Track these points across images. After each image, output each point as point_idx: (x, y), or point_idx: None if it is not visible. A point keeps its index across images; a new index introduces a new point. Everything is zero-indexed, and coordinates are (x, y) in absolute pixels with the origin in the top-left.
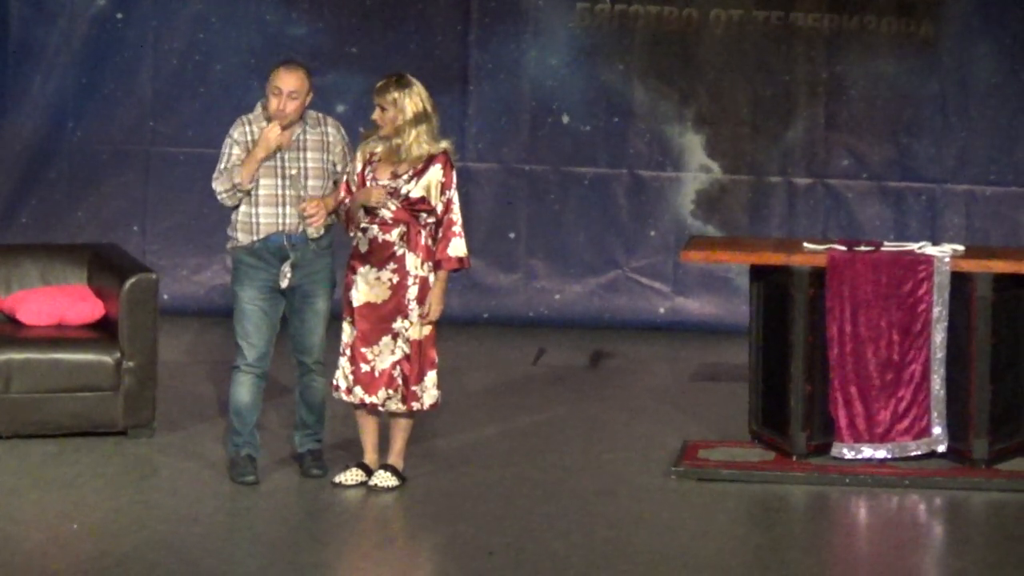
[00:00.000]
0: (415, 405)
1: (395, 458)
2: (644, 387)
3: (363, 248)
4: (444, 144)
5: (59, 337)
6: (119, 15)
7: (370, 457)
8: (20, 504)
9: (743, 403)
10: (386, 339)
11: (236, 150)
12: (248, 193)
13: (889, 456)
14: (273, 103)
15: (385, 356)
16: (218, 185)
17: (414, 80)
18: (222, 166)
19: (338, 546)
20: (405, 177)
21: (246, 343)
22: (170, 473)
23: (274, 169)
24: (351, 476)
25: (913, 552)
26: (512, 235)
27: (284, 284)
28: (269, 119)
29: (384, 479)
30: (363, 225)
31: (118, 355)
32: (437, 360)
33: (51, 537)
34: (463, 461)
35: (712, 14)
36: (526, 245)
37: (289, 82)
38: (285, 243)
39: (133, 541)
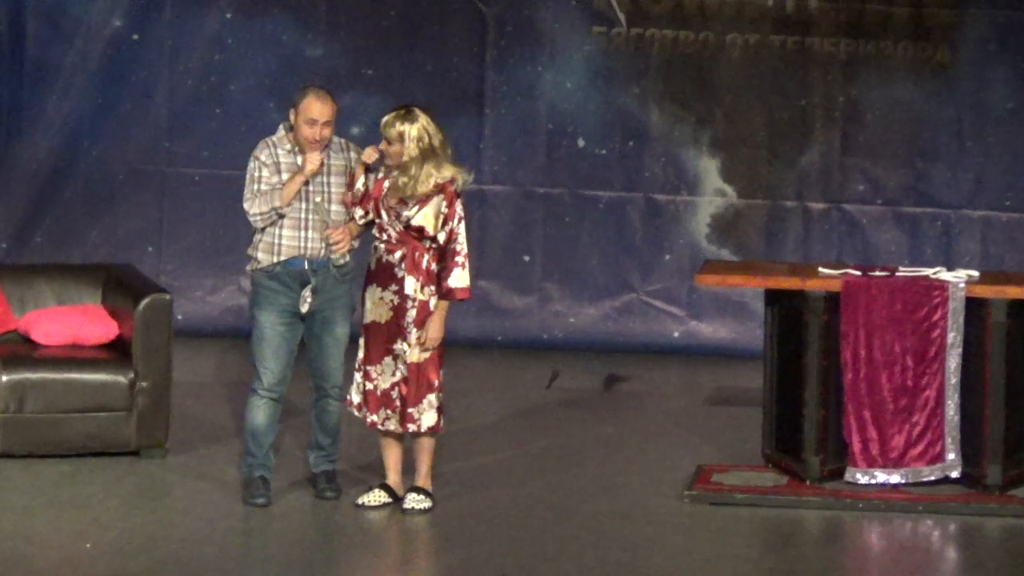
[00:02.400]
0: (411, 427)
1: (423, 480)
2: (658, 411)
3: (373, 267)
4: (450, 172)
5: (73, 357)
6: (135, 35)
7: (393, 478)
8: (34, 524)
9: (757, 427)
10: (387, 359)
11: (266, 172)
12: (281, 216)
13: (903, 481)
14: (308, 133)
15: (386, 376)
16: (253, 207)
17: (420, 113)
18: (255, 187)
19: (351, 568)
20: (410, 203)
21: (264, 367)
22: (183, 494)
23: (299, 193)
24: (374, 497)
25: None
26: (527, 258)
27: (304, 309)
28: (296, 144)
29: (418, 501)
30: (374, 243)
31: (132, 375)
32: (438, 384)
33: (65, 557)
34: (477, 484)
35: (728, 38)
36: (541, 268)
37: (324, 112)
38: (306, 267)
39: (146, 561)
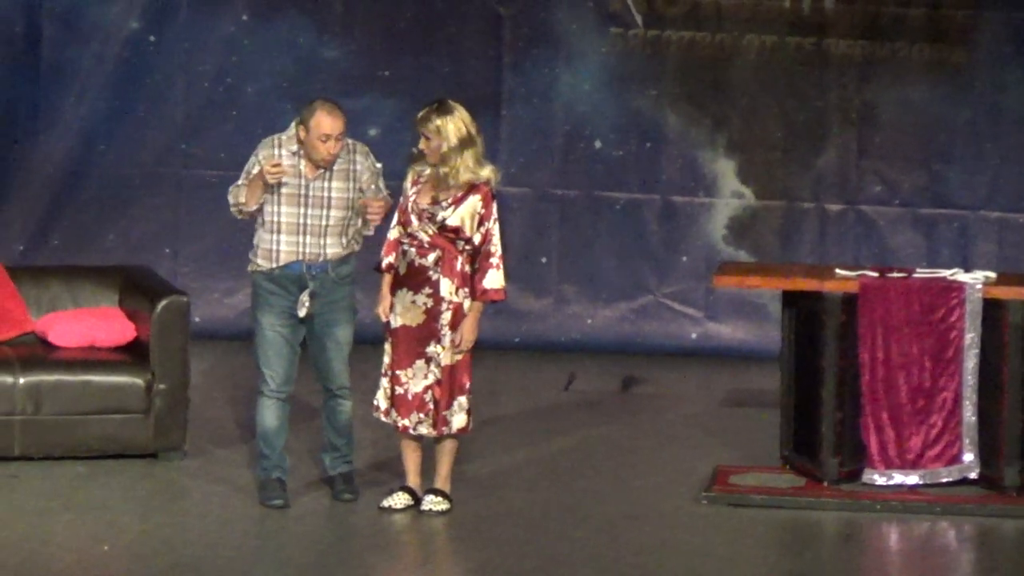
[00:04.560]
0: (444, 430)
1: (442, 482)
2: (675, 412)
3: (402, 271)
4: (486, 173)
5: (90, 359)
6: (151, 37)
7: (413, 480)
8: (51, 526)
9: (774, 429)
10: (419, 363)
11: (256, 171)
12: (256, 214)
13: (920, 482)
14: (323, 149)
15: (418, 380)
16: (230, 197)
17: (456, 105)
18: (240, 181)
19: (368, 570)
20: (444, 204)
21: (269, 369)
22: (200, 496)
23: (297, 197)
24: (399, 500)
25: None
26: (544, 260)
27: (302, 314)
28: (301, 147)
29: (435, 503)
30: (403, 248)
31: (149, 377)
32: (469, 386)
33: (81, 559)
34: (493, 486)
35: (745, 40)
36: (558, 270)
37: (336, 126)
38: (304, 272)
39: (163, 564)
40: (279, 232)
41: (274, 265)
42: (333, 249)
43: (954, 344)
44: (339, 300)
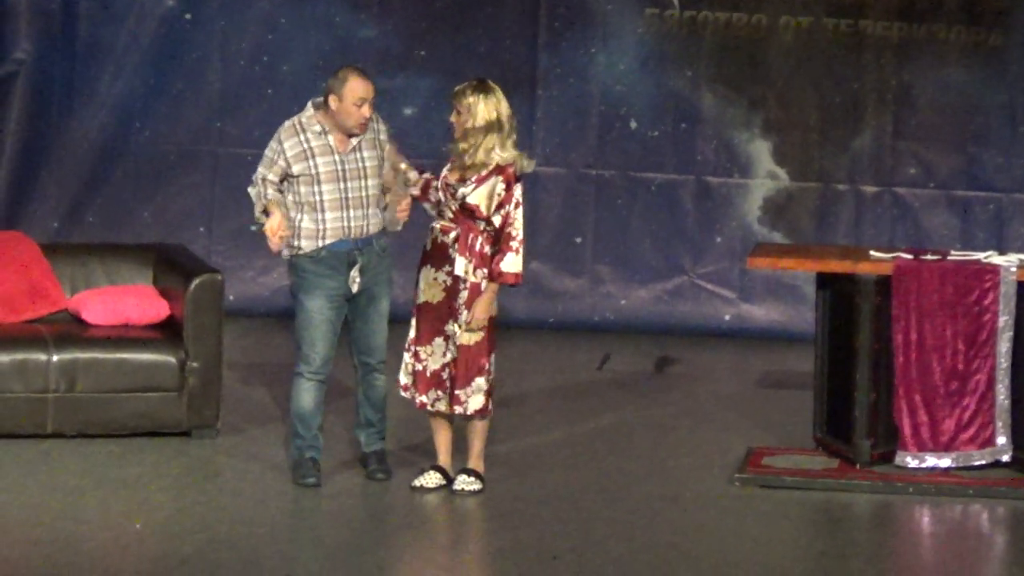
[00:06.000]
0: (458, 409)
1: (475, 461)
2: (709, 393)
3: (428, 247)
4: (508, 155)
5: (124, 337)
6: (187, 15)
7: (444, 459)
8: (84, 504)
9: (807, 410)
10: (438, 340)
11: (281, 163)
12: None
13: (953, 465)
14: (358, 114)
15: (437, 357)
16: (251, 191)
17: (495, 87)
18: (262, 169)
19: (400, 549)
20: (468, 180)
21: (311, 351)
22: (234, 474)
23: (335, 173)
24: (430, 479)
25: (976, 562)
26: (579, 240)
27: (355, 289)
28: (324, 124)
29: (467, 483)
30: (431, 224)
31: (183, 355)
32: (488, 367)
33: (114, 537)
34: (527, 466)
35: (781, 21)
36: (592, 250)
37: (370, 89)
38: (353, 248)
39: (196, 542)
40: (323, 210)
41: (320, 244)
42: (375, 219)
43: (988, 327)
44: (383, 273)
